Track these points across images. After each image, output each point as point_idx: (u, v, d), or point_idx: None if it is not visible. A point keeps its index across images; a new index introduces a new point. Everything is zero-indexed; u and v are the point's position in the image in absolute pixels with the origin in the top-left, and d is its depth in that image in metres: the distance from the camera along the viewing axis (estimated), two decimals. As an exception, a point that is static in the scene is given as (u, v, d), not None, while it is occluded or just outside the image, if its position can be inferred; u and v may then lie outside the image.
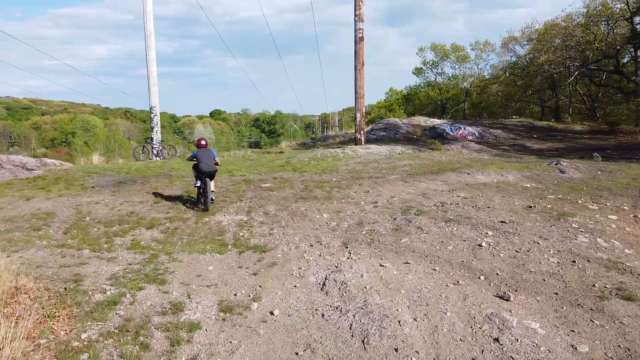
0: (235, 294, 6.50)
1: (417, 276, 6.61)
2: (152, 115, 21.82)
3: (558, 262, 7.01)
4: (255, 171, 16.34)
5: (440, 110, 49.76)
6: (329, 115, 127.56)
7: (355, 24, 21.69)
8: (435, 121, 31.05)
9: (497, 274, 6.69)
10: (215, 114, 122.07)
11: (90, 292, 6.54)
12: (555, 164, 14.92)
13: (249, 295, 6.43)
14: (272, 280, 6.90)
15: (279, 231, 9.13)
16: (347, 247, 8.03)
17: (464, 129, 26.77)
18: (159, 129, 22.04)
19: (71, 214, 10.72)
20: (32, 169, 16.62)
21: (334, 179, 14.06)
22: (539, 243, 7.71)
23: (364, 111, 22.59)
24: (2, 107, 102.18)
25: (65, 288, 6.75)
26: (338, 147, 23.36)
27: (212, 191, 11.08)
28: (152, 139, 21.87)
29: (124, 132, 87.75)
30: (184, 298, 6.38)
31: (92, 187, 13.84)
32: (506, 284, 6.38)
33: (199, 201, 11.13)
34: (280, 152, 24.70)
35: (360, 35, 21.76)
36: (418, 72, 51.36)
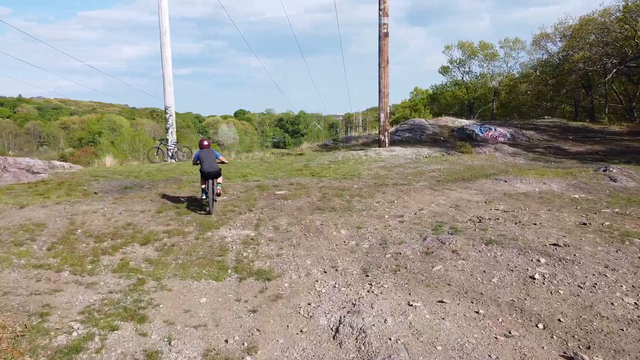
0: (226, 340, 5.17)
1: (456, 323, 5.15)
2: (167, 115, 20.74)
3: (636, 303, 5.48)
4: (271, 176, 15.04)
5: (467, 110, 47.76)
6: (352, 115, 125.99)
7: (380, 19, 20.20)
8: (464, 121, 29.28)
9: (559, 320, 5.19)
10: (240, 114, 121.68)
11: (53, 333, 5.30)
12: (604, 171, 13.20)
13: (243, 344, 5.08)
14: (274, 320, 5.54)
15: (289, 251, 7.77)
16: (367, 276, 6.60)
17: (495, 130, 24.98)
18: (174, 129, 20.96)
19: (63, 226, 9.57)
20: (38, 173, 15.66)
21: (355, 186, 12.65)
22: (606, 275, 6.16)
23: (388, 111, 21.10)
24: (33, 107, 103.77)
25: (25, 325, 5.54)
26: (361, 149, 21.92)
27: (219, 183, 10.65)
28: (167, 140, 20.80)
29: (150, 131, 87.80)
30: (163, 344, 5.08)
31: (95, 193, 12.74)
32: (573, 336, 4.88)
33: (207, 205, 10.39)
34: (300, 154, 23.40)
35: (385, 30, 20.27)
36: (444, 70, 49.43)
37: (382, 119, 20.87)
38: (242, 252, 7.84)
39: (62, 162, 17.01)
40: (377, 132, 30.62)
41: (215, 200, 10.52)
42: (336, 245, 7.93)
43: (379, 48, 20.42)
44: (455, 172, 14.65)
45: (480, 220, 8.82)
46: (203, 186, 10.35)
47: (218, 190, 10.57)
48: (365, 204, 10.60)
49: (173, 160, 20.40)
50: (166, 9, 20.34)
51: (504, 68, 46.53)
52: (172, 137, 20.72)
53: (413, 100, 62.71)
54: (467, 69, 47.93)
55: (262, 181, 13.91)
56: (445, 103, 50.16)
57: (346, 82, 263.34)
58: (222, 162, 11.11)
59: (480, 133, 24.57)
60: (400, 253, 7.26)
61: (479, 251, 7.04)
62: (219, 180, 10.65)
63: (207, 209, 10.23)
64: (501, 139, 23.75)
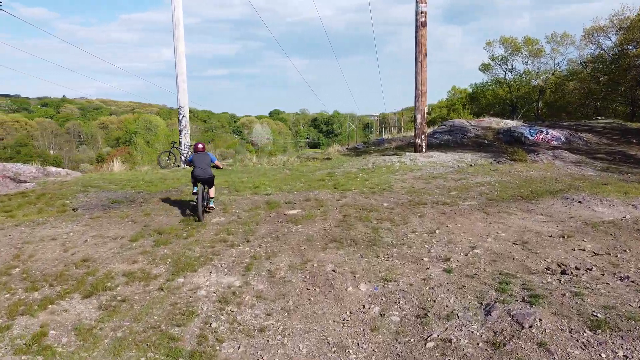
0: None
1: None
2: (180, 116, 18.48)
3: None
4: (287, 187, 12.49)
5: (509, 110, 43.96)
6: (387, 115, 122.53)
7: (417, 6, 17.30)
8: (509, 123, 25.92)
9: None
10: (275, 114, 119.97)
11: None
12: None
13: None
14: None
15: (279, 323, 5.15)
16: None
17: (547, 132, 21.64)
18: (188, 132, 18.68)
19: (2, 260, 7.26)
20: (24, 182, 13.62)
21: (385, 205, 9.94)
22: None
23: (425, 111, 18.18)
24: (75, 107, 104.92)
25: None
26: (394, 154, 19.08)
27: (212, 198, 9.70)
28: (179, 143, 18.54)
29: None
30: None
31: (74, 209, 10.49)
32: None
33: (197, 211, 9.31)
34: (327, 159, 20.77)
35: (423, 19, 17.37)
36: (485, 68, 45.70)
37: (418, 120, 17.98)
38: (213, 320, 5.26)
39: (59, 169, 14.96)
40: (413, 134, 27.70)
41: (208, 212, 9.59)
42: (350, 313, 5.24)
43: (416, 39, 17.54)
44: (509, 186, 11.69)
45: (564, 271, 5.95)
46: (195, 191, 9.41)
47: (212, 207, 9.64)
48: (397, 234, 7.88)
49: (186, 166, 18.11)
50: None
51: (550, 65, 42.57)
52: (185, 139, 18.45)
53: (450, 100, 59.03)
54: (510, 66, 44.13)
55: (274, 195, 11.38)
56: (486, 103, 46.42)
57: (380, 82, 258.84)
58: (217, 167, 10.15)
59: (529, 136, 21.29)
60: (450, 341, 4.46)
61: (583, 346, 4.18)
62: (212, 193, 9.67)
63: (200, 218, 9.22)
64: (554, 143, 20.42)
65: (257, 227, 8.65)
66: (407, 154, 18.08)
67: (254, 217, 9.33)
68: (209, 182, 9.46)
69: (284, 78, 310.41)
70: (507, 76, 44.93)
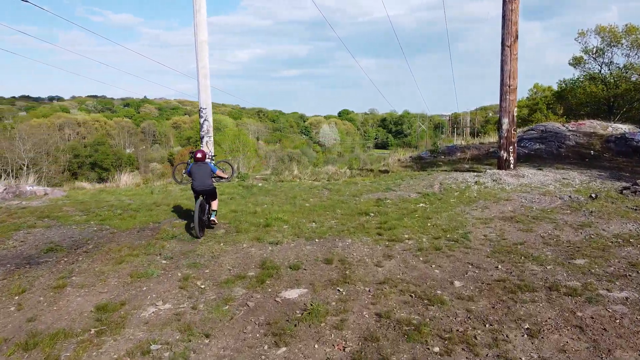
0: None
1: None
2: (202, 120, 14.70)
3: None
4: (310, 227, 8.31)
5: (604, 111, 36.61)
6: (459, 115, 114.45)
7: (507, -28, 12.32)
8: (621, 127, 19.83)
9: None
10: (343, 114, 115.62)
11: None
12: None
13: None
14: None
15: None
16: None
17: (679, 141, 15.70)
18: (212, 139, 14.86)
19: None
20: (-19, 206, 10.34)
21: (457, 284, 5.46)
22: None
23: (514, 114, 13.09)
24: (154, 107, 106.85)
25: None
26: (470, 170, 14.16)
27: (214, 210, 8.32)
28: (202, 153, 14.76)
29: (254, 132, 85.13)
30: None
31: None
32: None
33: (193, 227, 7.85)
34: (384, 171, 16.21)
35: (515, -11, 12.36)
36: (576, 62, 38.48)
37: (504, 126, 12.96)
38: None
39: (37, 188, 11.60)
40: (491, 139, 22.26)
41: (211, 227, 8.37)
42: None
43: (503, 17, 12.56)
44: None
45: None
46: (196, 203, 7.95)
47: (213, 220, 8.32)
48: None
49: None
50: (203, -22, 14.27)
51: (660, 57, 34.76)
52: (207, 149, 14.64)
53: (532, 99, 51.67)
54: (608, 60, 36.74)
55: (283, 246, 7.20)
56: (577, 102, 39.17)
57: (453, 80, 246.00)
58: (221, 178, 8.88)
59: (657, 146, 15.49)
60: None
61: None
62: (214, 206, 8.43)
63: (194, 233, 7.87)
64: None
65: (206, 344, 4.41)
66: (489, 170, 13.10)
67: (218, 306, 5.13)
68: (209, 194, 8.28)
69: (355, 78, 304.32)
70: (603, 71, 37.57)
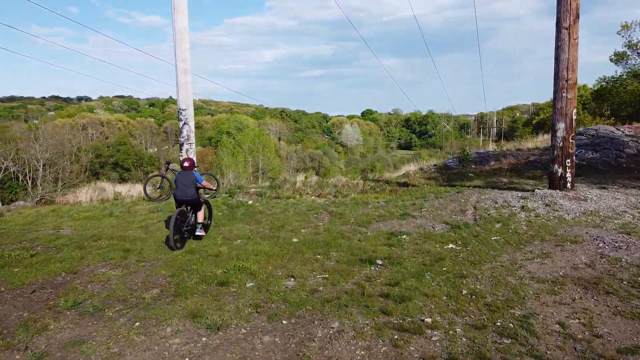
0: None
1: None
2: (181, 123, 11.90)
3: None
4: (289, 281, 5.64)
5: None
6: (486, 115, 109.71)
7: None
8: (690, 132, 16.22)
9: None
10: (367, 114, 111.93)
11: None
12: None
13: None
14: None
15: None
16: None
17: None
18: (193, 148, 12.06)
19: None
20: None
21: None
22: None
23: (573, 117, 9.81)
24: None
25: None
26: (510, 188, 11.03)
27: (199, 223, 7.64)
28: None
29: (276, 132, 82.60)
30: None
31: None
32: None
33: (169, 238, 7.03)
34: (404, 185, 13.21)
35: (576, -47, 9.18)
36: (619, 58, 34.22)
37: (560, 133, 9.75)
38: None
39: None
40: (531, 146, 18.89)
41: (198, 238, 7.56)
42: None
43: (561, -10, 9.37)
44: None
45: None
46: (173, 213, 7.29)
47: (197, 235, 7.58)
48: None
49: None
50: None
51: None
52: (189, 156, 11.86)
53: (566, 98, 47.34)
54: (656, 55, 32.52)
55: (229, 331, 4.40)
56: (619, 101, 35.05)
57: (482, 79, 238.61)
58: (210, 190, 8.14)
59: None
60: None
61: None
62: (199, 217, 7.60)
63: (170, 244, 7.00)
64: None
65: None
66: (538, 191, 9.93)
67: None
68: (193, 205, 7.47)
69: (379, 78, 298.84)
70: (650, 67, 33.33)
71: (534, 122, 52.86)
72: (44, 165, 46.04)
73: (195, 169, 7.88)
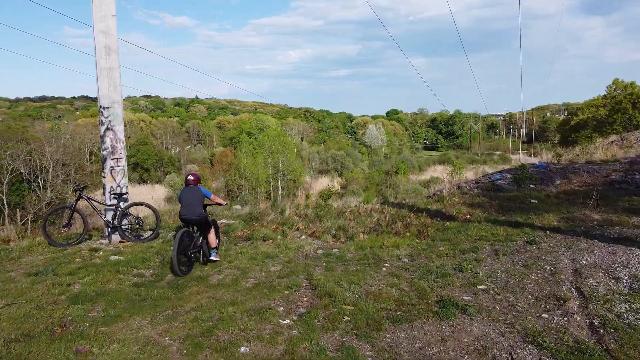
0: None
1: None
2: (103, 127, 7.66)
3: None
4: None
5: None
6: (515, 115, 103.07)
7: None
8: None
9: None
10: (391, 114, 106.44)
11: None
12: None
13: None
14: None
15: None
16: None
17: None
18: (123, 164, 7.86)
19: None
20: None
21: None
22: None
23: None
24: (203, 107, 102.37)
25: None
26: (617, 239, 6.49)
27: (213, 248, 6.55)
28: (104, 187, 7.75)
29: (299, 132, 78.55)
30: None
31: None
32: None
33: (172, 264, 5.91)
34: (437, 214, 8.87)
35: None
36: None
37: None
38: None
39: None
40: (602, 157, 14.09)
41: (203, 262, 6.43)
42: None
43: None
44: None
45: None
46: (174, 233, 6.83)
47: (211, 260, 6.48)
48: None
49: (104, 243, 7.48)
50: None
51: None
52: (114, 179, 7.70)
53: (611, 97, 41.57)
54: None
55: None
56: (684, 100, 29.46)
57: (520, 78, 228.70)
58: (219, 204, 6.90)
59: None
60: None
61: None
62: (211, 241, 6.51)
63: (174, 269, 5.84)
64: None
65: None
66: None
67: None
68: (200, 225, 6.37)
69: (405, 77, 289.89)
70: None
71: (573, 122, 46.72)
72: (53, 166, 43.32)
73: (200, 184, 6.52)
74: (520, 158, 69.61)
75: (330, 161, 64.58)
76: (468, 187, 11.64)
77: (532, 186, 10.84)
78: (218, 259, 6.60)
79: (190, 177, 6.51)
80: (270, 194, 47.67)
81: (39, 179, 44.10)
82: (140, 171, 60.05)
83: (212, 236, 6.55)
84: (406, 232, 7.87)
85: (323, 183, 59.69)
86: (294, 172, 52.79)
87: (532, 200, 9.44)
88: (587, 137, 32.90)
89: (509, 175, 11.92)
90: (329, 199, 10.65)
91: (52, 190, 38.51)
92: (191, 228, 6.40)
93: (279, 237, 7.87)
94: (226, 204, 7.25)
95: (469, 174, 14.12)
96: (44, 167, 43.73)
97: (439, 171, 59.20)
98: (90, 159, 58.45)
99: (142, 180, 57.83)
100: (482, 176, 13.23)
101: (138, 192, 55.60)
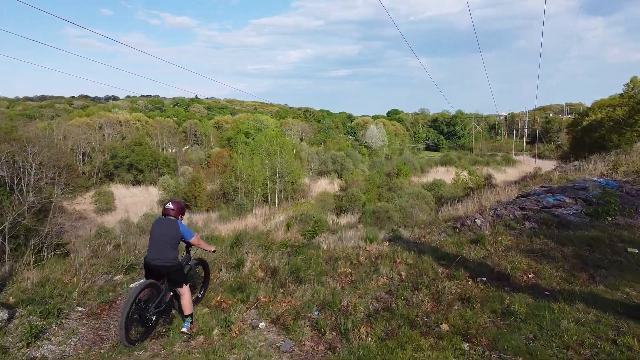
0: None
1: None
2: None
3: None
4: None
5: None
6: (517, 115, 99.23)
7: None
8: None
9: None
10: (392, 114, 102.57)
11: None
12: None
13: None
14: None
15: None
16: None
17: None
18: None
19: None
20: None
21: None
22: None
23: None
24: (203, 107, 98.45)
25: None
26: None
27: (187, 316, 4.48)
28: None
29: (298, 132, 74.87)
30: None
31: None
32: None
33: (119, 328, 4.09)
34: (480, 270, 5.31)
35: None
36: None
37: None
38: None
39: None
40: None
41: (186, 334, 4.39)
42: None
43: None
44: None
45: None
46: (133, 285, 4.75)
47: (182, 331, 4.39)
48: None
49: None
50: None
51: None
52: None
53: (629, 96, 37.73)
54: None
55: None
56: None
57: (537, 77, 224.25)
58: (206, 250, 5.12)
59: None
60: None
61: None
62: (184, 303, 4.44)
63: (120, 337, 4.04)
64: None
65: None
66: None
67: None
68: (170, 276, 4.38)
69: (405, 77, 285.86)
70: None
71: (584, 123, 42.60)
72: (36, 168, 39.83)
73: (182, 218, 4.55)
74: (524, 159, 65.87)
75: (330, 162, 60.90)
76: (512, 215, 8.03)
77: (608, 218, 7.24)
78: (190, 332, 4.32)
79: (170, 206, 4.63)
80: (267, 197, 44.15)
81: (23, 183, 40.05)
82: (135, 172, 56.46)
83: (186, 298, 4.40)
84: (442, 322, 4.29)
85: (322, 185, 56.08)
86: (292, 174, 49.14)
87: (629, 249, 5.86)
88: (604, 138, 29.18)
89: (567, 200, 8.30)
90: (314, 237, 7.09)
91: (35, 193, 34.55)
92: (157, 279, 4.37)
93: (216, 330, 4.30)
94: (213, 251, 5.24)
95: (501, 192, 10.52)
96: (26, 169, 39.69)
97: (441, 173, 55.54)
98: (83, 160, 55.12)
99: (136, 182, 54.36)
100: (523, 196, 9.62)
101: (131, 195, 52.26)
